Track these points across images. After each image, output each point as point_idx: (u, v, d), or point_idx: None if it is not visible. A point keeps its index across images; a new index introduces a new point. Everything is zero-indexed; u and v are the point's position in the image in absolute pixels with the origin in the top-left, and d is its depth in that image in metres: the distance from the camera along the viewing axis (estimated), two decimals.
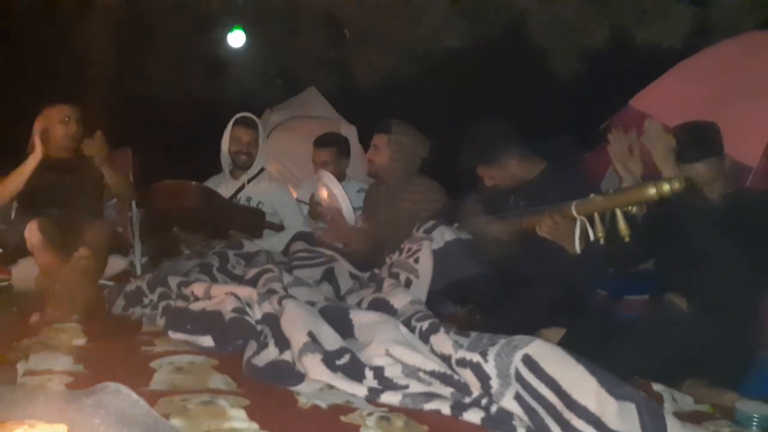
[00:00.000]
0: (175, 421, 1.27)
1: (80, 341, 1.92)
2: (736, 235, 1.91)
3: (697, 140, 2.13)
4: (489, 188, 2.59)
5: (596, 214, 2.07)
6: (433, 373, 1.54)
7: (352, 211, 3.15)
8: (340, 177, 3.45)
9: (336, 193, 3.15)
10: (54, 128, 3.07)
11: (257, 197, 3.36)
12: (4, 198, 2.99)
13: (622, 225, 1.98)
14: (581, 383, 1.33)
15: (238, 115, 3.44)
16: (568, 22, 4.58)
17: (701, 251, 1.96)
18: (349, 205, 3.15)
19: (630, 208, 2.00)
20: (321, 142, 3.62)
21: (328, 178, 3.22)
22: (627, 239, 1.99)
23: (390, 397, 1.49)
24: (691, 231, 2.01)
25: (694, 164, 2.10)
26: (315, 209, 3.26)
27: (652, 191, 1.90)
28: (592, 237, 2.07)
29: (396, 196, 3.06)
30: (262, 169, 3.47)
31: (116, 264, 3.02)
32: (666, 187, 1.88)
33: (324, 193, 3.22)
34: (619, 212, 1.99)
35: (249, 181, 3.40)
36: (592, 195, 2.08)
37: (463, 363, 1.50)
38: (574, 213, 2.10)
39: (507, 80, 4.83)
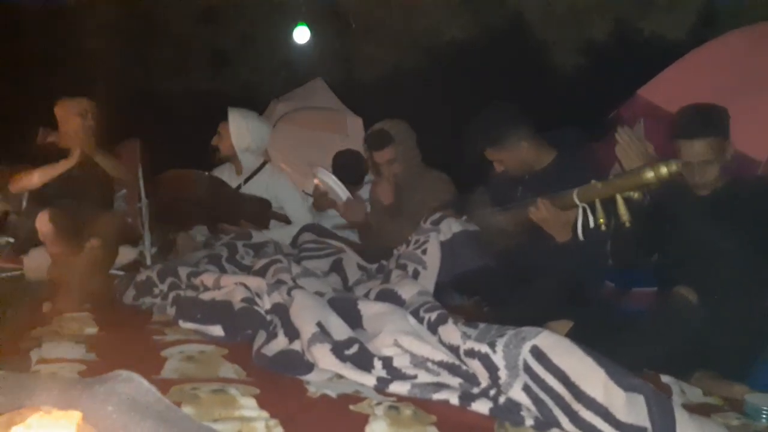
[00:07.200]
0: (187, 409, 1.28)
1: (92, 330, 1.94)
2: (737, 223, 1.90)
3: (699, 118, 2.05)
4: (498, 175, 2.56)
5: (597, 201, 2.06)
6: (441, 364, 1.54)
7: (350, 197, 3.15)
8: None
9: (333, 186, 3.14)
10: (70, 121, 3.07)
11: (259, 192, 3.34)
12: (23, 189, 3.01)
13: (622, 210, 1.97)
14: (589, 374, 1.34)
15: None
16: (573, 13, 4.56)
17: (701, 241, 1.95)
18: (347, 192, 3.14)
19: (632, 193, 1.98)
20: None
21: (322, 172, 3.19)
22: (628, 225, 1.98)
23: (399, 387, 1.50)
24: (689, 220, 1.99)
25: (693, 141, 2.02)
26: (320, 201, 3.24)
27: (649, 175, 1.89)
28: (592, 224, 2.06)
29: (407, 192, 3.03)
30: (263, 164, 3.44)
31: (126, 254, 3.04)
32: (663, 170, 1.87)
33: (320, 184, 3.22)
34: (619, 198, 1.98)
35: (251, 176, 3.39)
36: (592, 181, 2.07)
37: (471, 354, 1.51)
38: (576, 200, 2.10)
39: (512, 71, 4.81)
